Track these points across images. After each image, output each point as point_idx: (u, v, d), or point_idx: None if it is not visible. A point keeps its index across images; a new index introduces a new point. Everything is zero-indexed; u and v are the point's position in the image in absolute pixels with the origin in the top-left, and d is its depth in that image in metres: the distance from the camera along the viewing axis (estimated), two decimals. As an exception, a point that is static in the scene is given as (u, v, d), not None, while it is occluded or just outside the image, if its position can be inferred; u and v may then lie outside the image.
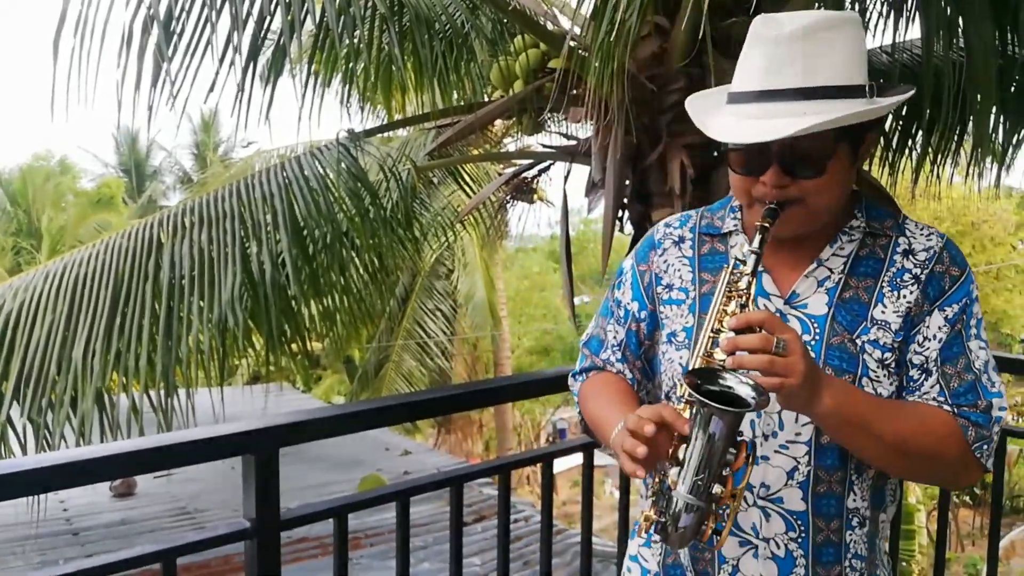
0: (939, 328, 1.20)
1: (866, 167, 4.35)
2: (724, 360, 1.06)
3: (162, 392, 3.40)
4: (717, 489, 1.04)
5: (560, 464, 2.21)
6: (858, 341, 1.19)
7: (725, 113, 1.21)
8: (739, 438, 1.06)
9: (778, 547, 1.22)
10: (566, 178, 4.03)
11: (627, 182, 3.39)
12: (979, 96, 3.11)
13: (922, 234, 1.25)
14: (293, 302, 3.87)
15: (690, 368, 1.11)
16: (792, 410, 1.14)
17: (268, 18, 3.07)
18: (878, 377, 1.19)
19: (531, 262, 25.36)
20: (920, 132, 4.22)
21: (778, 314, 1.23)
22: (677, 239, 1.37)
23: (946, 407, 1.19)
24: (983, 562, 2.57)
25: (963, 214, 18.15)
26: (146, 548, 1.44)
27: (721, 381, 1.05)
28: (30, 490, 1.47)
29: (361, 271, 4.30)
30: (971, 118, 3.57)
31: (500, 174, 5.47)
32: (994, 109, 3.56)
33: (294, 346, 4.07)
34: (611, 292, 1.45)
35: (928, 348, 1.20)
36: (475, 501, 5.82)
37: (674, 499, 1.05)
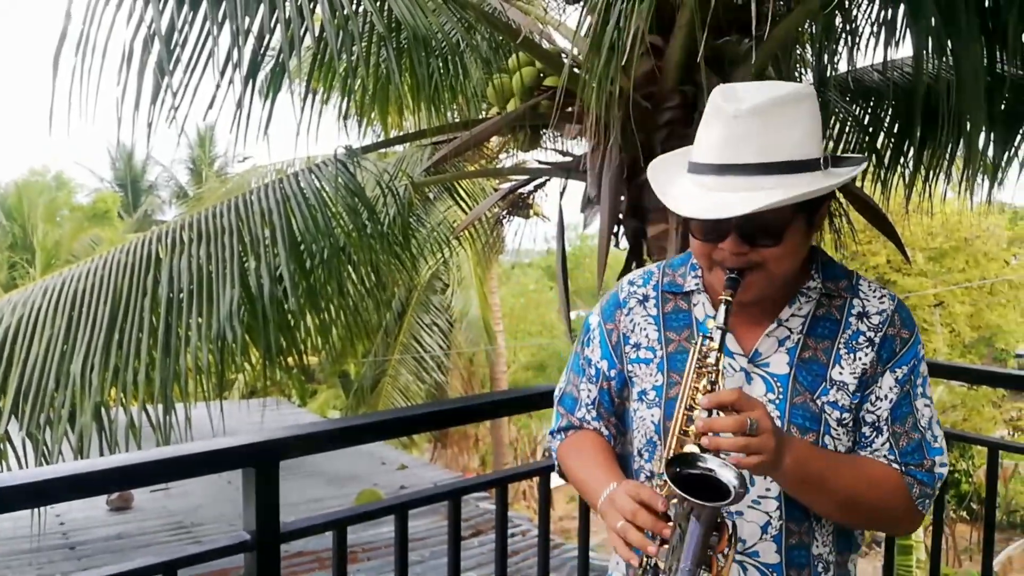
0: (890, 388, 1.26)
1: (858, 183, 4.40)
2: (700, 440, 1.10)
3: (160, 407, 3.41)
4: (704, 574, 1.08)
5: (557, 479, 2.23)
6: (819, 401, 1.25)
7: (686, 181, 1.23)
8: (720, 520, 1.10)
9: None
10: (562, 194, 4.07)
11: (622, 198, 3.42)
12: (970, 113, 3.15)
13: (875, 296, 1.29)
14: (291, 317, 3.89)
15: (667, 457, 1.13)
16: (758, 473, 1.19)
17: (268, 35, 3.11)
18: (838, 435, 1.25)
19: (527, 278, 25.37)
20: (912, 149, 4.27)
21: (742, 372, 1.28)
22: (641, 298, 1.40)
23: (895, 465, 1.26)
24: (978, 576, 2.58)
25: (956, 229, 18.25)
26: (147, 560, 1.46)
27: (701, 464, 1.08)
28: (34, 502, 1.48)
29: (358, 286, 4.32)
30: (962, 135, 3.62)
31: (496, 190, 5.50)
32: (985, 126, 3.61)
33: (291, 360, 4.08)
34: (580, 348, 1.46)
35: (880, 408, 1.26)
36: (472, 516, 5.82)
37: None
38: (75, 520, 6.02)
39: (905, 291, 18.50)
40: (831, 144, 4.49)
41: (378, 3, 3.32)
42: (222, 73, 3.00)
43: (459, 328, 13.31)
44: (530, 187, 4.71)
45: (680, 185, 1.24)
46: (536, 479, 2.05)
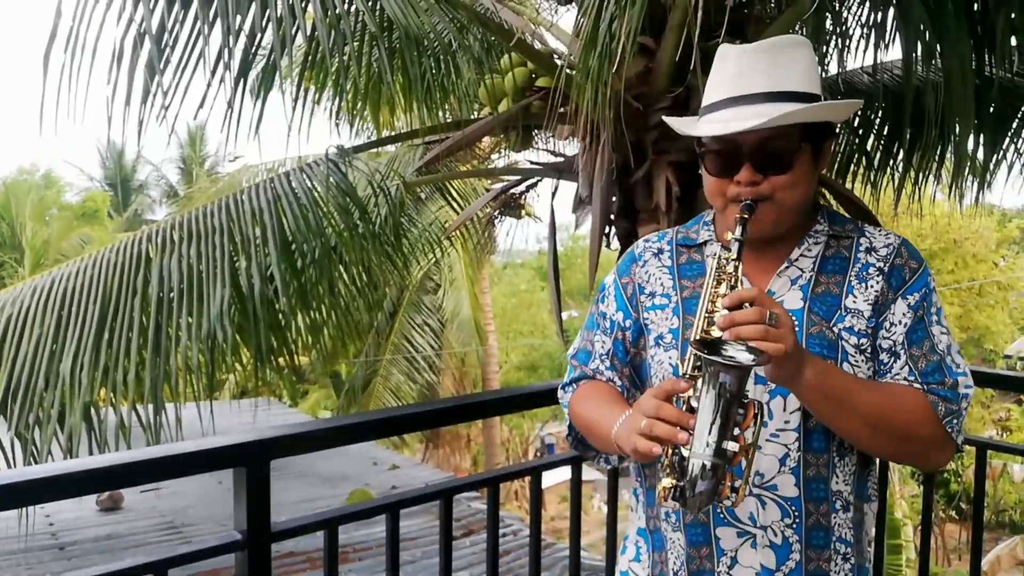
0: (903, 314, 1.29)
1: (848, 185, 4.42)
2: (721, 336, 1.12)
3: (150, 407, 3.40)
4: (731, 446, 1.07)
5: (548, 479, 2.23)
6: (835, 328, 1.28)
7: (701, 123, 1.32)
8: (745, 399, 1.10)
9: (775, 534, 1.27)
10: (554, 194, 4.08)
11: (614, 199, 3.43)
12: (958, 116, 3.17)
13: (881, 234, 1.36)
14: (281, 317, 3.88)
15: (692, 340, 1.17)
16: (779, 382, 1.21)
17: (259, 34, 3.10)
18: (857, 362, 1.27)
19: (519, 278, 25.37)
20: (901, 151, 4.30)
21: None
22: (656, 251, 1.45)
23: (916, 385, 1.27)
24: None
25: (945, 231, 18.35)
26: (137, 560, 1.45)
27: (723, 351, 1.10)
28: (22, 502, 1.48)
29: (349, 286, 4.31)
30: (951, 137, 3.64)
31: (488, 190, 5.51)
32: (973, 128, 3.63)
33: (281, 360, 4.07)
34: (595, 306, 1.51)
35: (895, 332, 1.29)
36: (464, 515, 5.81)
37: (690, 463, 1.08)
38: (65, 520, 5.98)
39: (895, 292, 18.57)
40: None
41: (370, 2, 3.32)
42: (213, 72, 3.00)
43: (451, 328, 13.29)
44: (522, 187, 4.72)
45: (686, 123, 1.35)
46: (527, 479, 2.05)
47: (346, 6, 3.13)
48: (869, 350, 1.28)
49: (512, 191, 4.74)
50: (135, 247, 3.69)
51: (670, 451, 1.11)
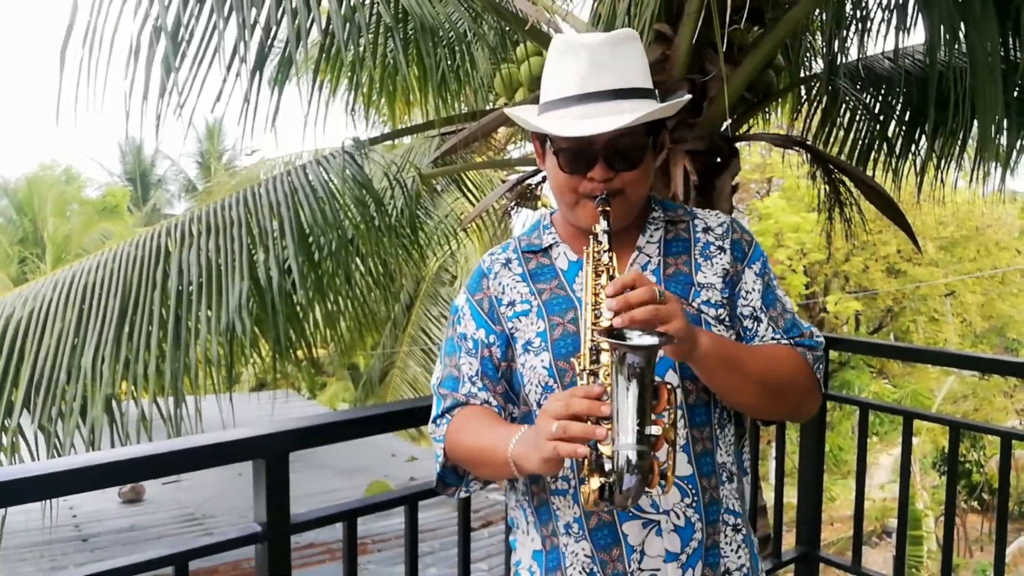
0: (754, 282, 1.38)
1: (869, 172, 4.36)
2: (612, 323, 1.10)
3: (170, 400, 3.42)
4: (654, 430, 1.05)
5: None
6: (694, 304, 1.33)
7: (548, 117, 1.31)
8: (655, 383, 1.08)
9: (678, 517, 1.27)
10: (570, 184, 4.05)
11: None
12: (983, 101, 3.12)
13: (712, 215, 1.43)
14: (299, 309, 3.89)
15: (587, 335, 1.16)
16: (680, 358, 1.23)
17: (275, 27, 3.10)
18: (719, 331, 1.33)
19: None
20: (923, 137, 4.23)
21: None
22: (504, 262, 1.43)
23: (784, 341, 1.36)
24: (992, 568, 2.57)
25: (967, 219, 18.12)
26: (158, 552, 1.46)
27: (627, 339, 1.08)
28: (47, 494, 1.49)
29: (366, 277, 4.32)
30: (975, 123, 3.58)
31: (503, 181, 5.49)
32: (998, 114, 3.57)
33: (300, 353, 4.08)
34: (451, 329, 1.45)
35: (752, 299, 1.37)
36: (482, 507, 5.83)
37: (615, 457, 1.04)
38: (88, 512, 6.06)
39: (916, 280, 18.42)
40: (841, 132, 4.46)
41: (385, -7, 3.30)
42: (228, 66, 3.00)
43: (467, 320, 13.27)
44: (538, 178, 4.69)
45: (546, 121, 1.31)
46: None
47: (361, -3, 3.12)
48: (727, 319, 1.35)
49: (528, 182, 4.72)
50: (154, 241, 3.71)
51: (591, 450, 1.07)
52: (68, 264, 4.04)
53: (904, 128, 4.32)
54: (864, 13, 3.66)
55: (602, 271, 1.22)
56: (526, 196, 5.07)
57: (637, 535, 1.27)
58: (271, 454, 1.57)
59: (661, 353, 1.19)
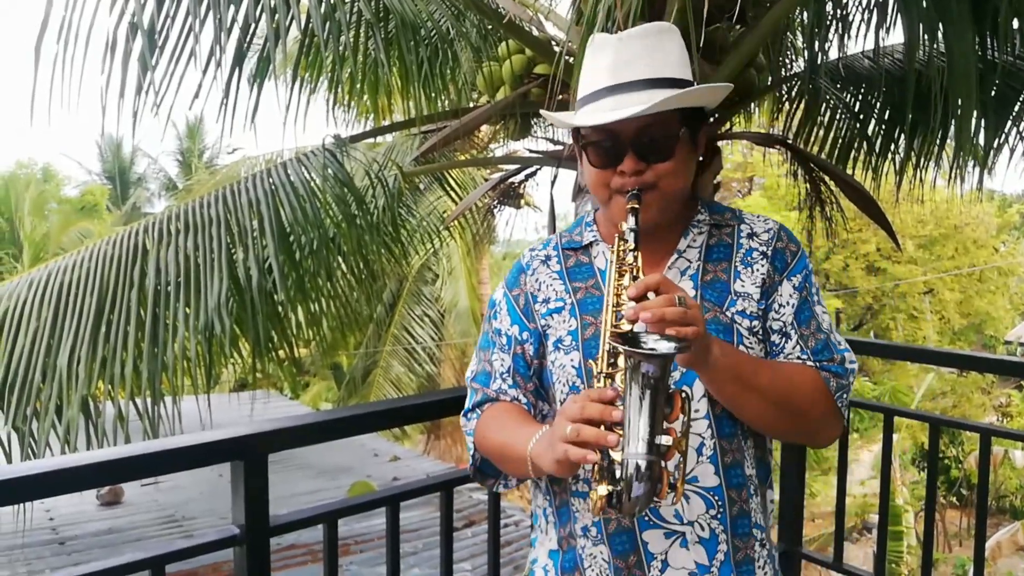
0: (790, 295, 1.32)
1: (849, 171, 4.39)
2: (632, 328, 1.08)
3: (148, 400, 3.38)
4: (664, 440, 1.03)
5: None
6: (728, 312, 1.29)
7: (581, 114, 1.29)
8: (670, 391, 1.06)
9: (703, 529, 1.25)
10: (553, 183, 4.04)
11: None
12: (960, 100, 3.14)
13: (760, 220, 1.38)
14: (280, 308, 3.85)
15: (605, 338, 1.13)
16: (690, 366, 1.19)
17: (253, 24, 3.06)
18: (751, 344, 1.29)
19: (518, 267, 25.32)
20: (903, 136, 4.26)
21: None
22: (544, 258, 1.43)
23: (809, 363, 1.30)
24: (971, 562, 2.59)
25: (946, 217, 18.33)
26: (135, 555, 1.44)
27: (642, 343, 1.05)
28: (18, 498, 1.46)
29: (348, 276, 4.29)
30: (953, 122, 3.60)
31: (486, 179, 5.48)
32: (975, 113, 3.60)
33: (281, 352, 4.05)
34: (487, 324, 1.45)
35: (784, 314, 1.32)
36: (465, 506, 5.82)
37: (624, 464, 1.03)
38: (65, 515, 5.98)
39: (895, 278, 18.59)
40: (822, 130, 4.48)
41: (365, -10, 3.28)
42: (207, 63, 2.96)
43: (449, 319, 13.28)
44: (521, 176, 4.68)
45: (579, 117, 1.30)
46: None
47: (341, -6, 3.09)
48: (760, 332, 1.30)
49: (511, 180, 4.71)
50: (132, 239, 3.67)
51: (599, 455, 1.06)
52: (46, 263, 3.98)
53: (884, 127, 4.35)
54: (844, 12, 3.68)
55: (625, 271, 1.19)
56: (509, 194, 5.06)
57: (659, 544, 1.24)
58: (249, 455, 1.55)
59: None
